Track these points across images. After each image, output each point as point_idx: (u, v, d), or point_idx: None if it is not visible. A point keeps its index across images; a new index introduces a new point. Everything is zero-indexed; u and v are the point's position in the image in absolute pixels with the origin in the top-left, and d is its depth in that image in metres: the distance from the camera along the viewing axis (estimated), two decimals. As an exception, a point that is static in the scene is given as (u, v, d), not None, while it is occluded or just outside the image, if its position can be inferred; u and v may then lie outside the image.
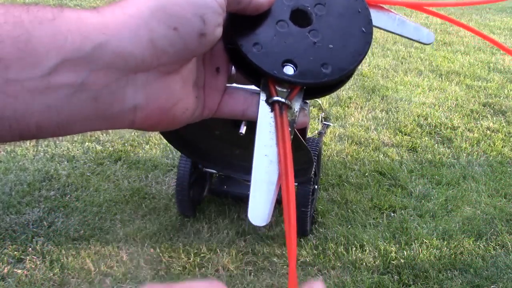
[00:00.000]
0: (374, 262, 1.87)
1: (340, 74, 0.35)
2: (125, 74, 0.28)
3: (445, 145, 2.82)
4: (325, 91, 0.37)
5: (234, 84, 0.42)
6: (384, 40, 4.85)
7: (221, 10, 0.31)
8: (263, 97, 0.35)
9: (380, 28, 0.40)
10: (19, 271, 1.73)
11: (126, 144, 2.55)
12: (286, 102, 0.35)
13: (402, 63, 4.17)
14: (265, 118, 0.35)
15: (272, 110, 0.35)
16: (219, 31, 0.31)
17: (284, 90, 0.35)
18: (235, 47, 0.34)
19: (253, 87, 0.36)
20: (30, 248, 1.82)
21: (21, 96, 0.25)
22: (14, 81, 0.25)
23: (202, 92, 0.35)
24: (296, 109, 0.36)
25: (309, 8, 0.36)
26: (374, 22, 0.39)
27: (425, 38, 0.41)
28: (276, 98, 0.34)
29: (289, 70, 0.34)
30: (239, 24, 0.34)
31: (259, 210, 0.35)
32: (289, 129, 0.35)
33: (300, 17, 0.36)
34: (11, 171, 2.27)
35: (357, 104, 3.26)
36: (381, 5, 0.41)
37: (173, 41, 0.29)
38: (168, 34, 0.29)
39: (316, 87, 0.36)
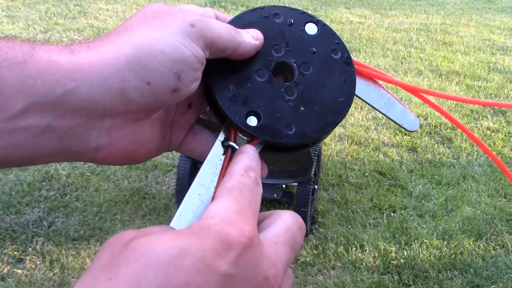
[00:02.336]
0: (374, 262, 1.87)
1: (301, 140, 0.34)
2: (92, 119, 0.28)
3: (445, 145, 2.82)
4: (285, 150, 0.36)
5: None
6: (384, 40, 4.85)
7: (199, 65, 0.30)
8: (221, 137, 0.34)
9: (365, 102, 0.39)
10: (19, 271, 1.73)
11: (126, 144, 2.55)
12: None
13: (402, 63, 4.17)
14: (214, 159, 0.34)
15: (224, 153, 0.34)
16: (194, 86, 0.31)
17: (244, 138, 0.34)
18: (208, 85, 0.34)
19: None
20: (30, 248, 1.82)
21: None
22: None
23: (169, 129, 0.35)
24: None
25: (295, 65, 0.35)
26: (361, 94, 0.38)
27: (409, 124, 0.40)
28: (231, 143, 0.34)
29: (252, 121, 0.34)
30: (219, 64, 0.33)
31: (184, 223, 0.33)
32: None
33: (284, 71, 0.36)
34: (11, 171, 2.27)
35: (357, 104, 3.26)
36: (375, 79, 0.39)
37: (144, 93, 0.28)
38: (140, 86, 0.28)
39: (275, 145, 0.35)
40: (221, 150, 0.34)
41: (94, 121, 0.28)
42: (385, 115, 0.40)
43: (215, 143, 0.34)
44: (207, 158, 0.34)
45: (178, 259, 0.22)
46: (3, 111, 0.25)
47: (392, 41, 4.80)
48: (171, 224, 0.31)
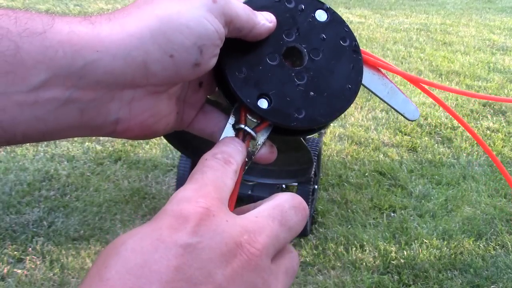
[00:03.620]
0: (374, 262, 1.87)
1: (310, 124, 0.35)
2: (112, 91, 0.28)
3: (445, 145, 2.82)
4: (294, 134, 0.37)
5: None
6: (384, 40, 4.85)
7: (219, 42, 0.31)
8: (231, 120, 0.35)
9: (369, 90, 0.40)
10: (19, 271, 1.73)
11: (126, 144, 2.55)
12: (251, 132, 0.34)
13: (402, 63, 4.17)
14: None
15: (236, 136, 0.34)
16: (213, 61, 0.31)
17: (254, 120, 0.35)
18: (220, 66, 0.34)
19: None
20: (30, 248, 1.82)
21: (9, 108, 0.25)
22: (2, 94, 0.25)
23: (182, 106, 0.35)
24: (259, 142, 0.35)
25: (305, 50, 0.36)
26: (365, 83, 0.39)
27: (410, 114, 0.41)
28: (242, 125, 0.34)
29: (263, 103, 0.34)
30: (231, 44, 0.34)
31: None
32: (246, 159, 0.34)
33: (294, 56, 0.36)
34: (11, 171, 2.27)
35: (357, 104, 3.26)
36: (379, 68, 0.40)
37: (166, 67, 0.28)
38: (163, 60, 0.28)
39: (284, 128, 0.35)
40: (232, 133, 0.34)
41: (114, 93, 0.28)
42: (387, 103, 0.41)
43: (226, 126, 0.35)
44: (218, 142, 0.34)
45: (135, 244, 0.24)
46: (25, 83, 0.25)
47: (392, 41, 4.80)
48: None
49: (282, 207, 0.28)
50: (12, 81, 0.25)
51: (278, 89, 0.34)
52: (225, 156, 0.30)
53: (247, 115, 0.35)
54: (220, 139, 0.34)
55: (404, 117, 0.41)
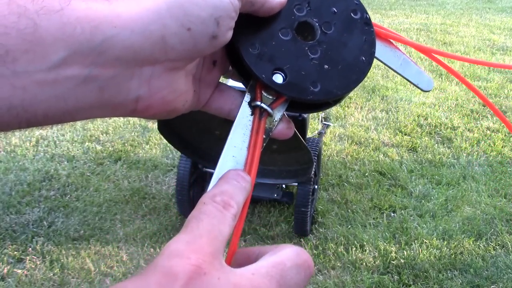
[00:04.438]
0: (374, 262, 1.87)
1: (326, 97, 0.35)
2: (132, 67, 0.28)
3: (445, 145, 2.82)
4: (310, 108, 0.37)
5: (230, 81, 0.41)
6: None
7: (234, 14, 0.31)
8: (247, 98, 0.35)
9: (382, 62, 0.40)
10: (19, 271, 1.73)
11: (126, 144, 2.55)
12: (268, 109, 0.34)
13: (402, 63, 4.16)
14: (243, 120, 0.34)
15: (253, 113, 0.34)
16: (230, 34, 0.31)
17: (270, 97, 0.35)
18: (233, 43, 0.34)
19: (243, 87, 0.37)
20: (30, 248, 1.82)
21: (29, 87, 0.25)
22: (22, 73, 0.25)
23: (198, 85, 0.35)
24: (276, 118, 0.35)
25: (317, 24, 0.36)
26: (378, 55, 0.39)
27: (424, 84, 0.41)
28: (258, 102, 0.34)
29: (278, 78, 0.34)
30: (243, 21, 0.34)
31: None
32: (264, 136, 0.34)
33: (306, 31, 0.36)
34: (11, 171, 2.27)
35: (357, 104, 3.26)
36: (390, 40, 0.40)
37: (184, 40, 0.28)
38: (181, 33, 0.28)
39: (300, 102, 0.35)
40: (249, 110, 0.34)
41: (133, 69, 0.28)
42: (401, 75, 0.41)
43: (242, 104, 0.35)
44: (235, 121, 0.34)
45: None
46: (44, 61, 0.25)
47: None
48: (208, 189, 0.32)
49: (283, 265, 0.27)
50: (32, 59, 0.25)
51: (292, 63, 0.34)
52: (224, 199, 0.29)
53: (263, 91, 0.35)
54: (237, 118, 0.34)
55: (419, 87, 0.41)
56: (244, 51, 0.34)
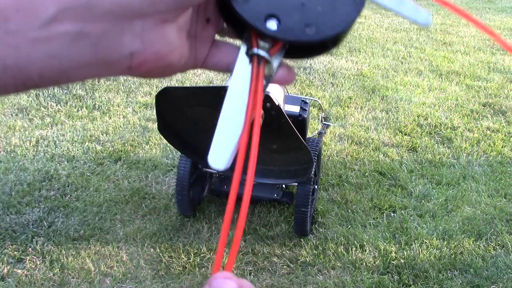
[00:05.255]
0: (374, 262, 1.87)
1: (322, 37, 0.34)
2: (122, 22, 0.28)
3: (445, 145, 2.82)
4: (308, 52, 0.36)
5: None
6: (384, 40, 4.85)
7: None
8: (243, 48, 0.35)
9: (376, 2, 0.39)
10: (19, 271, 1.73)
11: (126, 144, 2.55)
12: (265, 55, 0.34)
13: (402, 63, 4.17)
14: (242, 69, 0.35)
15: (251, 62, 0.34)
16: None
17: (266, 44, 0.34)
18: None
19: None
20: (30, 248, 1.82)
21: (22, 46, 0.26)
22: (15, 32, 0.25)
23: (193, 42, 0.36)
24: (275, 65, 0.35)
25: None
26: None
27: (423, 19, 0.40)
28: (255, 50, 0.34)
29: (272, 25, 0.34)
30: None
31: (220, 154, 0.35)
32: (264, 82, 0.34)
33: None
34: (11, 171, 2.27)
35: (357, 104, 3.26)
36: None
37: None
38: None
39: (298, 46, 0.35)
40: (247, 60, 0.34)
41: (124, 24, 0.29)
42: (397, 12, 0.40)
43: (239, 55, 0.35)
44: (234, 72, 0.34)
45: None
46: (35, 19, 0.26)
47: (392, 41, 4.80)
48: (214, 139, 0.32)
49: None
50: (23, 18, 0.25)
51: (284, 8, 0.34)
52: None
53: (259, 40, 0.34)
54: (235, 68, 0.34)
55: (417, 23, 0.39)
56: (234, 2, 0.33)
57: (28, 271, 1.73)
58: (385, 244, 1.96)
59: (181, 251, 1.85)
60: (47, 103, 2.93)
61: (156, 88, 3.26)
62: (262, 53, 0.34)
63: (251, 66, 0.34)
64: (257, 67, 0.34)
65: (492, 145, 2.82)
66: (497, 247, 1.98)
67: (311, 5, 0.34)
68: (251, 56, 0.34)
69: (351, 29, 0.36)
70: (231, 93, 0.34)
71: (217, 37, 0.38)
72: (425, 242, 1.98)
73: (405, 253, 1.91)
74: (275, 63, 0.35)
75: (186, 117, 1.67)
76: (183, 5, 0.31)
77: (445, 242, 1.99)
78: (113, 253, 1.83)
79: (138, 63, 0.31)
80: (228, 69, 0.36)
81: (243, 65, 0.35)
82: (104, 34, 0.28)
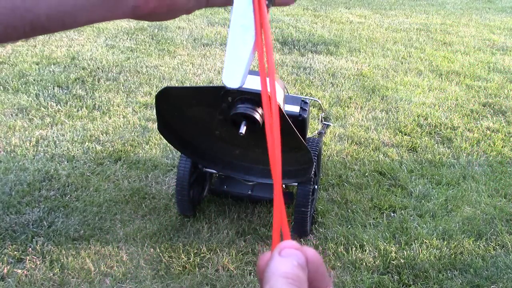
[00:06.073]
0: (374, 262, 1.87)
1: None
2: None
3: (445, 145, 2.82)
4: None
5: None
6: (384, 40, 4.84)
7: None
8: None
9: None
10: (19, 271, 1.73)
11: (126, 144, 2.55)
12: None
13: (402, 63, 4.17)
14: None
15: None
16: None
17: None
18: None
19: None
20: (30, 248, 1.82)
21: None
22: None
23: None
24: None
25: None
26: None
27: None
28: None
29: None
30: None
31: (234, 72, 0.35)
32: (267, 1, 0.34)
33: None
34: (11, 171, 2.26)
35: (357, 104, 3.26)
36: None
37: None
38: None
39: None
40: None
41: None
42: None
43: None
44: None
45: None
46: None
47: (392, 41, 4.80)
48: (226, 58, 0.33)
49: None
50: None
51: None
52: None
53: None
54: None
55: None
56: None
57: (28, 271, 1.73)
58: (385, 244, 1.96)
59: (181, 251, 1.85)
60: (47, 103, 2.93)
61: (156, 88, 3.26)
62: None
63: None
64: None
65: (492, 145, 2.82)
66: (497, 247, 1.98)
67: None
68: None
69: None
70: (236, 11, 0.34)
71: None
72: (425, 242, 1.98)
73: (405, 253, 1.91)
74: None
75: (186, 117, 1.67)
76: None
77: (445, 242, 1.99)
78: (113, 253, 1.83)
79: (143, 1, 0.31)
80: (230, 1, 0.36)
81: None
82: None
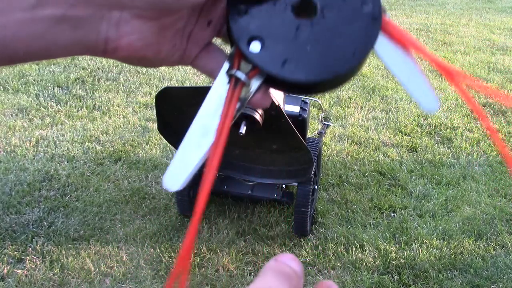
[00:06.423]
0: (374, 262, 1.87)
1: (292, 79, 0.32)
2: (102, 9, 0.30)
3: (445, 145, 2.82)
4: (287, 88, 0.34)
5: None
6: (384, 40, 4.84)
7: None
8: (225, 66, 0.34)
9: (387, 67, 0.36)
10: (19, 271, 1.73)
11: (126, 144, 2.55)
12: (242, 78, 0.33)
13: (402, 63, 4.17)
14: (219, 89, 0.34)
15: (229, 82, 0.33)
16: None
17: (248, 66, 0.33)
18: (227, 4, 0.33)
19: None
20: (30, 248, 1.82)
21: (10, 26, 0.28)
22: (3, 12, 0.27)
23: (185, 40, 0.35)
24: (252, 89, 0.34)
25: (319, 5, 0.33)
26: (386, 58, 0.35)
27: (428, 104, 0.36)
28: (233, 71, 0.33)
29: (255, 47, 0.32)
30: None
31: (177, 175, 0.34)
32: (238, 105, 0.33)
33: (306, 8, 0.34)
34: (11, 171, 2.26)
35: (357, 104, 3.26)
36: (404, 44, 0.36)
37: None
38: None
39: (272, 78, 0.33)
40: (226, 79, 0.33)
41: (103, 12, 0.30)
42: (405, 87, 0.37)
43: (221, 72, 0.34)
44: (211, 90, 0.34)
45: None
46: (23, 1, 0.28)
47: (392, 41, 4.80)
48: (175, 157, 0.33)
49: None
50: (11, 1, 0.27)
51: (274, 35, 0.32)
52: None
53: (242, 60, 0.33)
54: (213, 86, 0.33)
55: (421, 106, 0.36)
56: (231, 13, 0.33)
57: (28, 271, 1.73)
58: (385, 244, 1.96)
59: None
60: (47, 103, 2.93)
61: (156, 88, 3.26)
62: (240, 75, 0.33)
63: (228, 86, 0.33)
64: (233, 89, 0.33)
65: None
66: (497, 247, 1.98)
67: (304, 42, 0.32)
68: (230, 75, 0.33)
69: (336, 83, 0.33)
70: (203, 111, 0.33)
71: (216, 40, 0.38)
72: (425, 242, 1.98)
73: (405, 253, 1.91)
74: (253, 86, 0.34)
75: (186, 117, 1.66)
76: (159, 9, 0.31)
77: (445, 242, 1.99)
78: (113, 253, 1.83)
79: (112, 49, 0.32)
80: (211, 74, 0.36)
81: (221, 84, 0.34)
82: (84, 19, 0.30)
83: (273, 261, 0.30)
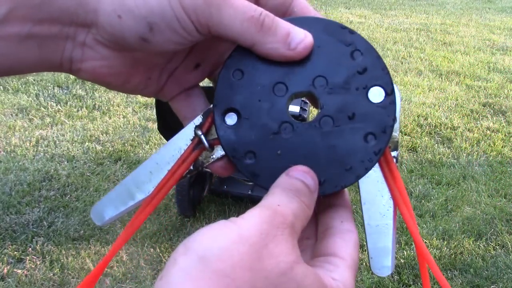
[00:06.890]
0: (374, 262, 1.87)
1: (246, 173, 0.30)
2: (66, 29, 0.29)
3: (445, 145, 2.82)
4: (237, 171, 0.32)
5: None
6: (384, 40, 4.85)
7: (184, 33, 0.28)
8: (197, 121, 0.31)
9: (360, 201, 0.33)
10: (19, 271, 1.73)
11: (126, 144, 2.55)
12: (205, 144, 0.31)
13: (402, 63, 4.17)
14: (180, 141, 0.32)
15: (192, 140, 0.31)
16: (172, 47, 0.29)
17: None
18: (226, 59, 0.31)
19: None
20: (30, 248, 1.82)
21: None
22: None
23: (165, 77, 0.34)
24: (214, 156, 0.32)
25: (321, 112, 0.30)
26: (364, 193, 0.33)
27: (378, 267, 0.32)
28: (200, 133, 0.31)
29: (231, 119, 0.30)
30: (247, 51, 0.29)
31: (103, 212, 0.33)
32: (191, 168, 0.32)
33: (309, 99, 0.32)
34: (11, 171, 2.27)
35: (357, 104, 3.26)
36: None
37: (113, 24, 0.28)
38: (111, 16, 0.28)
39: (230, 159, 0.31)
40: (192, 134, 0.31)
41: (69, 31, 0.29)
42: (365, 235, 0.33)
43: (189, 124, 0.32)
44: (173, 138, 0.32)
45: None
46: None
47: (392, 41, 4.80)
48: (109, 194, 0.32)
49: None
50: None
51: (254, 119, 0.30)
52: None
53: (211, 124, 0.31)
54: (177, 135, 0.32)
55: (370, 264, 0.32)
56: (223, 74, 0.30)
57: (28, 271, 1.73)
58: (385, 244, 1.95)
59: (181, 251, 1.85)
60: (47, 103, 2.94)
61: (156, 88, 3.25)
62: (204, 139, 0.31)
63: (189, 145, 0.31)
64: (191, 150, 0.31)
65: (492, 145, 2.82)
66: (497, 247, 1.98)
67: (280, 141, 0.30)
68: (195, 133, 0.31)
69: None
70: (156, 157, 0.32)
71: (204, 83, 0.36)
72: (425, 242, 1.98)
73: (405, 253, 1.91)
74: (216, 153, 0.32)
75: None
76: (123, 45, 0.30)
77: (445, 242, 1.99)
78: (113, 253, 1.83)
79: (76, 70, 0.31)
80: (183, 120, 0.34)
81: (185, 136, 0.32)
82: (49, 37, 0.29)
83: (284, 175, 0.29)
